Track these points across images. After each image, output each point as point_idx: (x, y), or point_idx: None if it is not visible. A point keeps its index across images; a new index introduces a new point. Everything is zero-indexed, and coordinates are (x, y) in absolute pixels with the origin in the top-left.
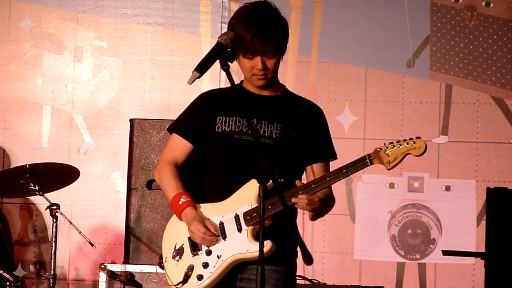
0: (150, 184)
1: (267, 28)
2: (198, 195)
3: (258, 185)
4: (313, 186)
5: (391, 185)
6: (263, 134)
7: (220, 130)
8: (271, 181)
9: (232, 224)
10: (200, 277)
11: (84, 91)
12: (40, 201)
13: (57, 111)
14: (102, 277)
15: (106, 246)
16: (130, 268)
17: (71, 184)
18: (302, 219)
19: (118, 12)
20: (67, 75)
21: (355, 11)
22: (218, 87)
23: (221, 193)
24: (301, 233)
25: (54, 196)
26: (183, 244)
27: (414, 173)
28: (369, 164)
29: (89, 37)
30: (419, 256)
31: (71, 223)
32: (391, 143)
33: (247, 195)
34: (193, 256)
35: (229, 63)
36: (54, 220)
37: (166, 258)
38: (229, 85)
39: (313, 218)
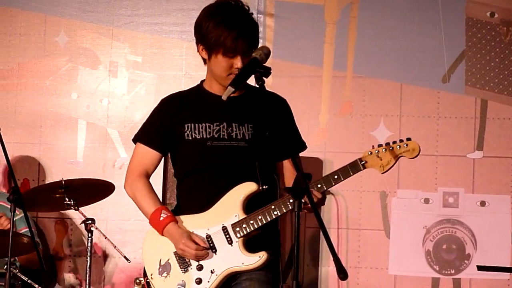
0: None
1: (250, 28)
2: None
3: (242, 194)
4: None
5: (426, 201)
6: (235, 137)
7: (190, 138)
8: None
9: (221, 236)
10: None
11: (119, 105)
12: (75, 216)
13: (92, 125)
14: None
15: (141, 261)
16: None
17: (106, 199)
18: (337, 234)
19: (153, 26)
20: (102, 89)
21: (391, 26)
22: (178, 91)
23: (200, 203)
24: (335, 248)
25: (89, 210)
26: (168, 259)
27: (449, 189)
28: (361, 168)
29: (124, 52)
30: (453, 272)
31: (106, 237)
32: (380, 145)
33: (231, 205)
34: (183, 272)
35: (264, 78)
36: (89, 235)
37: (151, 274)
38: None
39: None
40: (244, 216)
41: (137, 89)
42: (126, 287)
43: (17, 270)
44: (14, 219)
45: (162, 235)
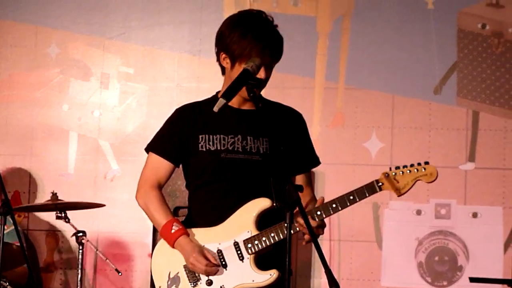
0: (177, 211)
1: (276, 40)
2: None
3: (255, 210)
4: (318, 213)
5: (418, 212)
6: (250, 151)
7: (204, 149)
8: (272, 203)
9: (232, 252)
10: None
11: (110, 117)
12: (66, 228)
13: (84, 137)
14: None
15: (133, 273)
16: None
17: (98, 211)
18: (330, 246)
19: (145, 38)
20: (94, 101)
21: (382, 38)
22: (194, 101)
23: (212, 217)
24: (327, 260)
25: (80, 222)
26: (178, 273)
27: (441, 200)
28: (378, 190)
29: (116, 64)
30: (446, 283)
31: (97, 250)
32: (397, 168)
33: (244, 221)
34: (192, 286)
35: (255, 89)
36: (80, 247)
37: (160, 287)
38: (205, 97)
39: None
40: (257, 232)
41: (128, 101)
42: None
43: (7, 284)
44: (4, 232)
45: (173, 247)
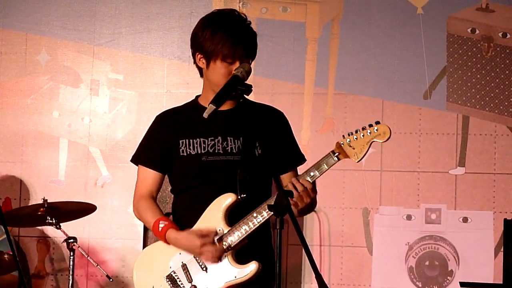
0: (167, 216)
1: (248, 35)
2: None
3: (221, 206)
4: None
5: (408, 217)
6: (231, 151)
7: (185, 154)
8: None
9: None
10: None
11: (100, 124)
12: (57, 234)
13: (74, 144)
14: None
15: (124, 279)
16: None
17: (88, 218)
18: (320, 251)
19: (135, 45)
20: (84, 108)
21: (372, 43)
22: (173, 107)
23: (192, 220)
24: (318, 265)
25: (71, 229)
26: (161, 286)
27: (431, 205)
28: (336, 160)
29: (105, 70)
30: None
31: (88, 256)
32: (350, 134)
33: (213, 219)
34: None
35: (245, 95)
36: (71, 254)
37: None
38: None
39: (301, 212)
40: (228, 228)
41: (118, 107)
42: None
43: None
44: None
45: (167, 243)
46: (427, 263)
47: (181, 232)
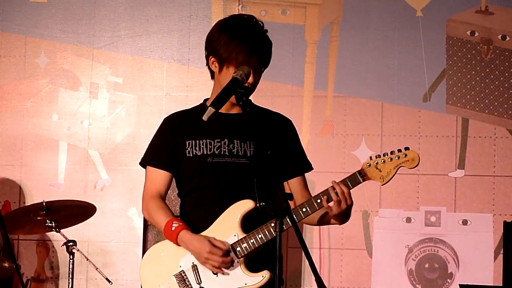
0: None
1: (264, 45)
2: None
3: (239, 212)
4: (303, 210)
5: (408, 220)
6: (237, 154)
7: (191, 155)
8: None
9: None
10: None
11: (100, 127)
12: (56, 238)
13: (73, 147)
14: None
15: (123, 282)
16: None
17: (88, 221)
18: (320, 254)
19: (134, 48)
20: (83, 111)
21: (371, 46)
22: (181, 109)
23: (201, 222)
24: (318, 268)
25: (70, 232)
26: (168, 283)
27: (431, 207)
28: (361, 181)
29: (104, 73)
30: None
31: (87, 259)
32: (378, 156)
33: (230, 224)
34: None
35: (244, 98)
36: (71, 257)
37: None
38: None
39: (343, 220)
40: (244, 235)
41: (118, 110)
42: None
43: None
44: None
45: (178, 245)
46: (426, 265)
47: (194, 234)
